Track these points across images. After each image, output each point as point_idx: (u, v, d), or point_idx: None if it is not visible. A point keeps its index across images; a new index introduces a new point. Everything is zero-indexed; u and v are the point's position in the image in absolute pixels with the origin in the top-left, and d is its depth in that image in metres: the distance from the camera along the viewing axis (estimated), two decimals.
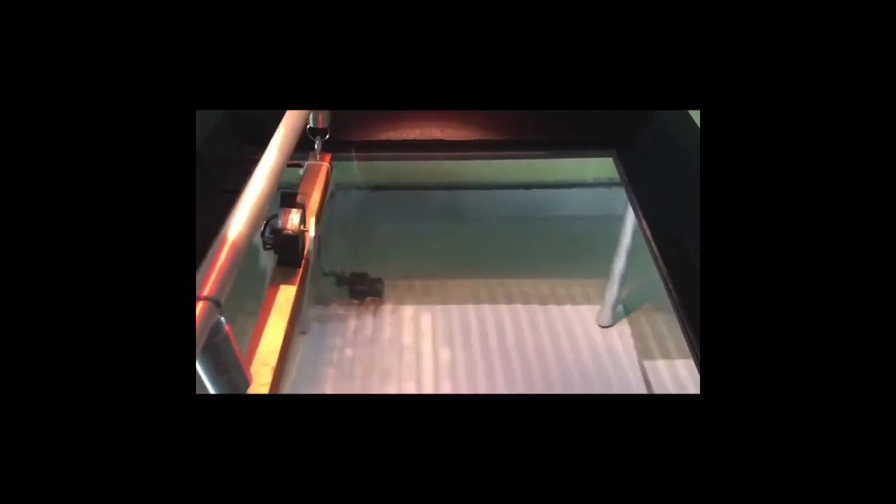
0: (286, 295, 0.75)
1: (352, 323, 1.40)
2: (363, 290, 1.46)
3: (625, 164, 1.04)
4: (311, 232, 0.78)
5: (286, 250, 0.77)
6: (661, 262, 0.86)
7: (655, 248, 0.88)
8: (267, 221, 0.78)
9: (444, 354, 1.32)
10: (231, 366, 0.54)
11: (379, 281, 1.47)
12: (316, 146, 0.98)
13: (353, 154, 1.09)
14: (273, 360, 0.68)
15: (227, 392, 0.55)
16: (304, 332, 1.36)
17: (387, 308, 1.43)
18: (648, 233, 0.91)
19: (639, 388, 1.24)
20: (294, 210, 0.76)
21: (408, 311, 1.43)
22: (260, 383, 0.65)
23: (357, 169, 1.43)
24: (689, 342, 0.77)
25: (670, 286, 0.83)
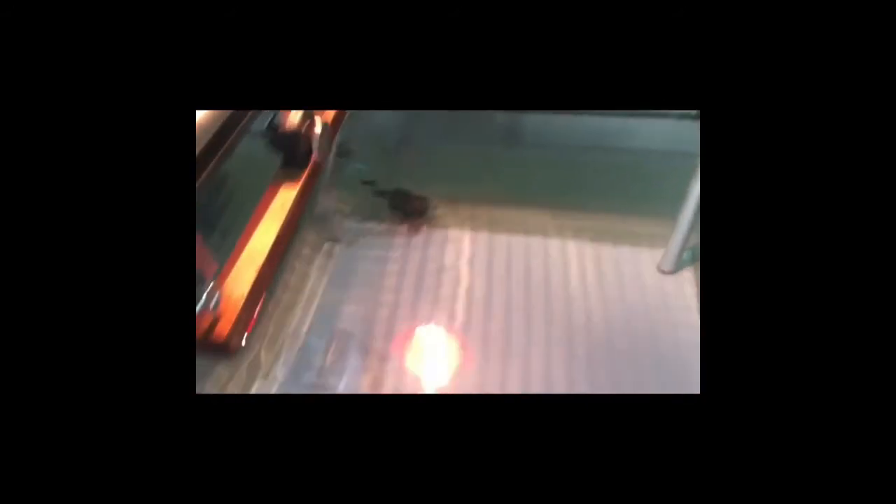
0: (284, 198, 0.68)
1: (390, 239, 1.33)
2: (407, 207, 1.38)
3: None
4: (318, 129, 0.69)
5: (287, 149, 0.69)
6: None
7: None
8: (273, 116, 0.70)
9: (484, 284, 1.24)
10: None
11: (424, 199, 1.39)
12: None
13: None
14: (259, 260, 0.62)
15: None
16: (337, 241, 1.31)
17: (430, 229, 1.36)
18: None
19: (690, 344, 1.12)
20: None
21: (451, 234, 1.35)
22: (241, 280, 0.60)
23: None
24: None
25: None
